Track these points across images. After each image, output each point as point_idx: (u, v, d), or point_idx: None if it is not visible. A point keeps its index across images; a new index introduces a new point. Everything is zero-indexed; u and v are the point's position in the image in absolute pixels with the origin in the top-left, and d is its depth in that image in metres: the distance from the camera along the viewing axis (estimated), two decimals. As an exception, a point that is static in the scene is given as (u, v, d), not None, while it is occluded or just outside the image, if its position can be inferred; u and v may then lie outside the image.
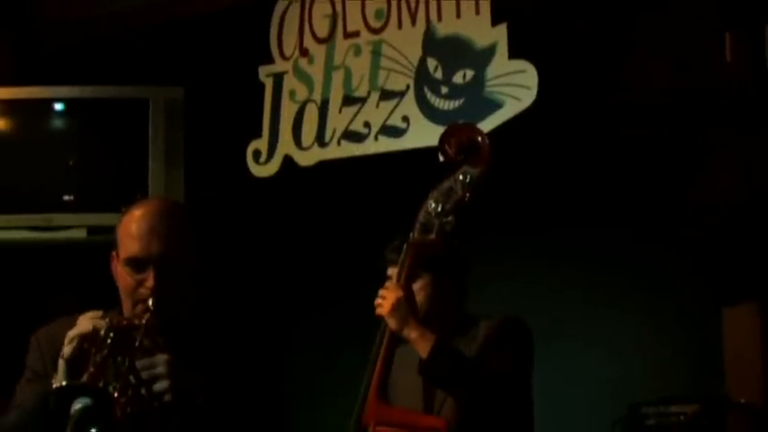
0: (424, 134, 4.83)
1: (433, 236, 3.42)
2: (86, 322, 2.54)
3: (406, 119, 4.92)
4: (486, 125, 4.60)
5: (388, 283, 3.55)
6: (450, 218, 3.40)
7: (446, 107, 4.86)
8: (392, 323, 3.46)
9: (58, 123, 5.15)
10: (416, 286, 3.58)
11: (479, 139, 3.46)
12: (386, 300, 3.49)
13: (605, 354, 4.68)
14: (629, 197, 4.64)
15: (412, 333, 3.45)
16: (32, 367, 2.73)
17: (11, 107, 5.12)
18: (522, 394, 3.60)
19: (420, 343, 3.44)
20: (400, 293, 3.47)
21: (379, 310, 3.50)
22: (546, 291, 4.75)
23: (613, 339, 4.68)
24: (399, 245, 3.57)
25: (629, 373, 4.58)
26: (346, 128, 5.05)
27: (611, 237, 4.69)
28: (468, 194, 3.40)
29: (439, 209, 3.41)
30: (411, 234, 3.47)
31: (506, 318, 3.67)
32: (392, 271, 3.58)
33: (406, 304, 3.48)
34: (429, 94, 4.90)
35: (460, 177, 3.41)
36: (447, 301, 3.65)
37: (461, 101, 4.82)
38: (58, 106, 5.12)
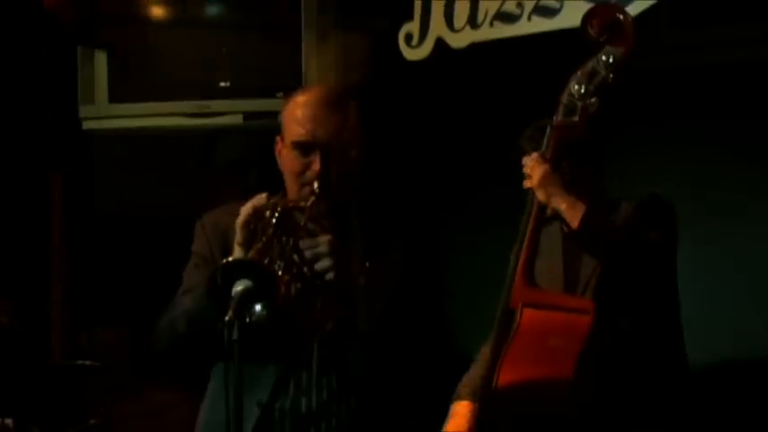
0: (579, 13, 4.64)
1: (576, 118, 3.37)
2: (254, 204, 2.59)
3: (559, -2, 4.82)
4: (643, 3, 4.49)
5: (532, 156, 3.50)
6: (593, 99, 3.35)
7: (601, -15, 4.73)
8: (541, 194, 3.43)
9: (212, 10, 5.20)
10: None
11: (622, 18, 3.39)
12: (533, 172, 3.46)
13: (763, 236, 4.62)
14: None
15: (562, 204, 3.43)
16: (199, 252, 2.80)
17: (166, -6, 5.20)
18: (669, 267, 3.56)
19: (570, 213, 3.42)
20: (546, 165, 3.44)
21: (527, 183, 3.46)
22: (703, 176, 4.69)
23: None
24: (533, 134, 3.56)
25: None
26: (499, 9, 4.96)
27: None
28: (611, 75, 3.34)
29: (582, 90, 3.36)
30: (554, 117, 3.42)
31: (650, 196, 3.63)
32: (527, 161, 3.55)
33: (553, 176, 3.44)
34: (584, -28, 4.78)
35: (603, 58, 3.35)
36: (586, 187, 3.58)
37: (617, -22, 4.70)
38: (213, -7, 5.18)
